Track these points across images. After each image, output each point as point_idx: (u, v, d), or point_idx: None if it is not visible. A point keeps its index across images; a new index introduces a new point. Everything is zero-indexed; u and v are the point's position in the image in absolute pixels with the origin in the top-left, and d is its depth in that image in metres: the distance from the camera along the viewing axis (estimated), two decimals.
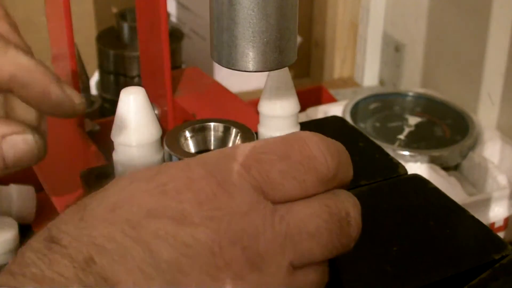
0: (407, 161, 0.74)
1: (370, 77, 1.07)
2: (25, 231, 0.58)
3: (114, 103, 0.71)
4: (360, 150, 0.49)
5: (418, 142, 0.79)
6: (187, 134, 0.44)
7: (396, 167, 0.47)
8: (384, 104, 0.86)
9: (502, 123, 0.83)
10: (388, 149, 0.73)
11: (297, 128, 0.47)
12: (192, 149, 0.44)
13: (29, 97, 0.36)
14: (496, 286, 0.37)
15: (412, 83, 0.99)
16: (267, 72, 0.44)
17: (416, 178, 0.46)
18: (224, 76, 0.93)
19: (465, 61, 0.88)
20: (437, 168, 0.74)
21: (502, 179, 0.72)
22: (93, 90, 0.87)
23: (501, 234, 0.70)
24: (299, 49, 0.46)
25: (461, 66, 0.89)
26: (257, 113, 0.47)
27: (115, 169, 0.44)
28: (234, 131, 0.44)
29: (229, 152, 0.31)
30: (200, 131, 0.44)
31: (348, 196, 0.33)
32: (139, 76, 0.85)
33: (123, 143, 0.43)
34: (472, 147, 0.78)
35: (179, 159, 0.41)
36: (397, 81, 1.02)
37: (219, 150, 0.32)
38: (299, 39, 1.02)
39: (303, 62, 1.16)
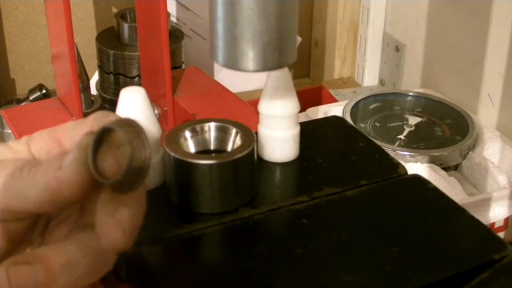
0: (407, 161, 0.74)
1: (370, 77, 1.07)
2: None
3: (114, 103, 0.71)
4: (360, 150, 0.50)
5: (418, 142, 0.79)
6: (187, 134, 0.44)
7: (396, 167, 0.47)
8: (384, 104, 0.86)
9: (502, 123, 0.83)
10: (388, 149, 0.73)
11: (297, 128, 0.47)
12: (192, 149, 0.44)
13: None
14: (496, 286, 0.37)
15: (412, 83, 0.99)
16: (267, 72, 0.44)
17: (416, 178, 0.46)
18: (224, 76, 0.93)
19: (465, 61, 0.88)
20: (437, 168, 0.73)
21: (502, 179, 0.72)
22: (93, 90, 0.87)
23: (501, 234, 0.70)
24: (299, 49, 0.46)
25: (461, 66, 0.89)
26: (257, 113, 0.47)
27: None
28: (234, 131, 0.44)
29: None
30: (200, 131, 0.44)
31: None
32: (139, 76, 0.85)
33: None
34: (472, 147, 0.78)
35: (179, 159, 0.41)
36: (397, 81, 1.02)
37: None
38: (299, 39, 1.02)
39: (303, 62, 1.16)
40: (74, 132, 0.35)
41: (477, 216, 0.42)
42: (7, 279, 0.32)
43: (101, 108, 0.85)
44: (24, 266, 0.33)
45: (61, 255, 0.33)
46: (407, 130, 0.81)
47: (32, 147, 0.36)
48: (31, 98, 0.95)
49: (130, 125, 0.33)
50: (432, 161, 0.74)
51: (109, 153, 0.33)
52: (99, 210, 0.33)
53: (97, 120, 0.35)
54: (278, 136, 0.46)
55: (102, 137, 0.33)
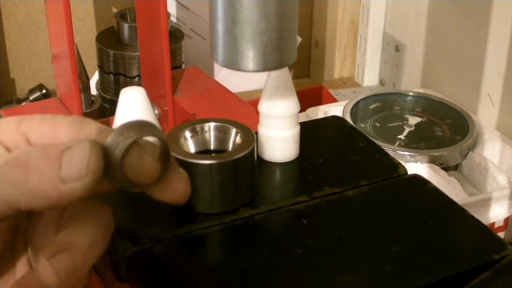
0: (407, 161, 0.74)
1: (370, 77, 1.07)
2: None
3: (114, 103, 0.71)
4: (360, 150, 0.50)
5: (418, 142, 0.79)
6: (187, 134, 0.44)
7: (396, 167, 0.47)
8: (384, 104, 0.86)
9: (502, 123, 0.83)
10: (388, 149, 0.73)
11: (297, 128, 0.47)
12: (192, 149, 0.44)
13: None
14: (496, 286, 0.37)
15: (412, 83, 0.99)
16: (267, 72, 0.44)
17: (416, 178, 0.46)
18: (224, 76, 0.93)
19: (465, 61, 0.88)
20: (437, 168, 0.73)
21: (502, 179, 0.72)
22: (93, 90, 0.87)
23: (501, 234, 0.70)
24: (299, 49, 0.46)
25: (461, 66, 0.89)
26: (257, 113, 0.47)
27: None
28: (234, 131, 0.44)
29: None
30: (200, 131, 0.44)
31: None
32: (139, 76, 0.85)
33: None
34: (472, 147, 0.78)
35: (179, 159, 0.41)
36: (397, 81, 1.02)
37: None
38: (299, 39, 1.02)
39: (303, 62, 1.16)
40: (43, 130, 0.35)
41: (477, 216, 0.42)
42: (54, 270, 0.32)
43: (101, 108, 0.85)
44: (63, 254, 0.33)
45: (85, 237, 0.34)
46: (407, 130, 0.81)
47: (1, 137, 0.35)
48: (31, 98, 0.95)
49: (149, 125, 0.34)
50: (432, 161, 0.74)
51: (139, 162, 0.34)
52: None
53: (74, 126, 0.34)
54: (278, 136, 0.46)
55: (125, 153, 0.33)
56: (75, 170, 0.31)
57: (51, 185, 0.31)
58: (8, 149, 0.35)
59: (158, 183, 0.35)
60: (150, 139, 0.34)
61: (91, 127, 0.34)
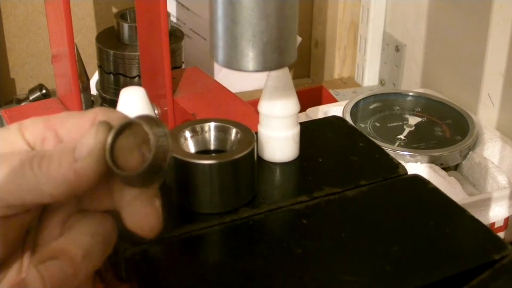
0: (407, 161, 0.74)
1: (370, 77, 1.07)
2: None
3: (114, 103, 0.71)
4: (360, 150, 0.50)
5: (418, 142, 0.79)
6: (187, 134, 0.44)
7: (396, 167, 0.47)
8: (384, 104, 0.86)
9: (502, 123, 0.83)
10: (388, 149, 0.73)
11: (297, 128, 0.47)
12: (192, 149, 0.44)
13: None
14: (496, 286, 0.37)
15: (412, 83, 0.99)
16: (267, 72, 0.44)
17: (416, 178, 0.46)
18: (224, 76, 0.93)
19: (465, 61, 0.88)
20: (437, 168, 0.73)
21: (502, 179, 0.72)
22: (93, 90, 0.87)
23: (501, 234, 0.70)
24: (299, 49, 0.46)
25: (461, 66, 0.89)
26: (257, 113, 0.47)
27: None
28: (234, 131, 0.44)
29: None
30: (200, 131, 0.44)
31: None
32: (139, 76, 0.85)
33: None
34: (472, 147, 0.78)
35: (179, 159, 0.41)
36: (397, 81, 1.02)
37: None
38: (299, 39, 1.02)
39: (303, 62, 1.16)
40: (71, 124, 0.35)
41: (477, 216, 0.42)
42: (41, 278, 0.32)
43: None
44: (52, 262, 0.33)
45: (79, 247, 0.34)
46: (407, 130, 0.81)
47: (26, 135, 0.35)
48: (31, 98, 0.95)
49: (156, 122, 0.34)
50: (432, 161, 0.74)
51: (129, 146, 0.34)
52: (126, 199, 0.34)
53: (101, 115, 0.35)
54: (278, 136, 0.46)
55: (122, 131, 0.34)
56: (85, 147, 0.33)
57: (68, 167, 0.33)
58: (34, 149, 0.36)
59: (132, 201, 0.35)
60: (151, 137, 0.34)
61: (118, 116, 0.35)
